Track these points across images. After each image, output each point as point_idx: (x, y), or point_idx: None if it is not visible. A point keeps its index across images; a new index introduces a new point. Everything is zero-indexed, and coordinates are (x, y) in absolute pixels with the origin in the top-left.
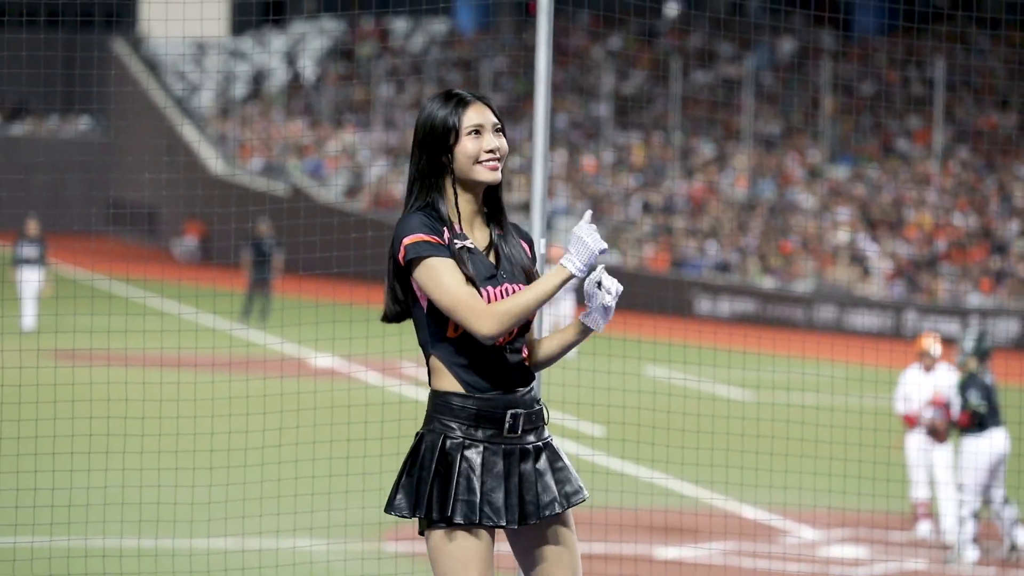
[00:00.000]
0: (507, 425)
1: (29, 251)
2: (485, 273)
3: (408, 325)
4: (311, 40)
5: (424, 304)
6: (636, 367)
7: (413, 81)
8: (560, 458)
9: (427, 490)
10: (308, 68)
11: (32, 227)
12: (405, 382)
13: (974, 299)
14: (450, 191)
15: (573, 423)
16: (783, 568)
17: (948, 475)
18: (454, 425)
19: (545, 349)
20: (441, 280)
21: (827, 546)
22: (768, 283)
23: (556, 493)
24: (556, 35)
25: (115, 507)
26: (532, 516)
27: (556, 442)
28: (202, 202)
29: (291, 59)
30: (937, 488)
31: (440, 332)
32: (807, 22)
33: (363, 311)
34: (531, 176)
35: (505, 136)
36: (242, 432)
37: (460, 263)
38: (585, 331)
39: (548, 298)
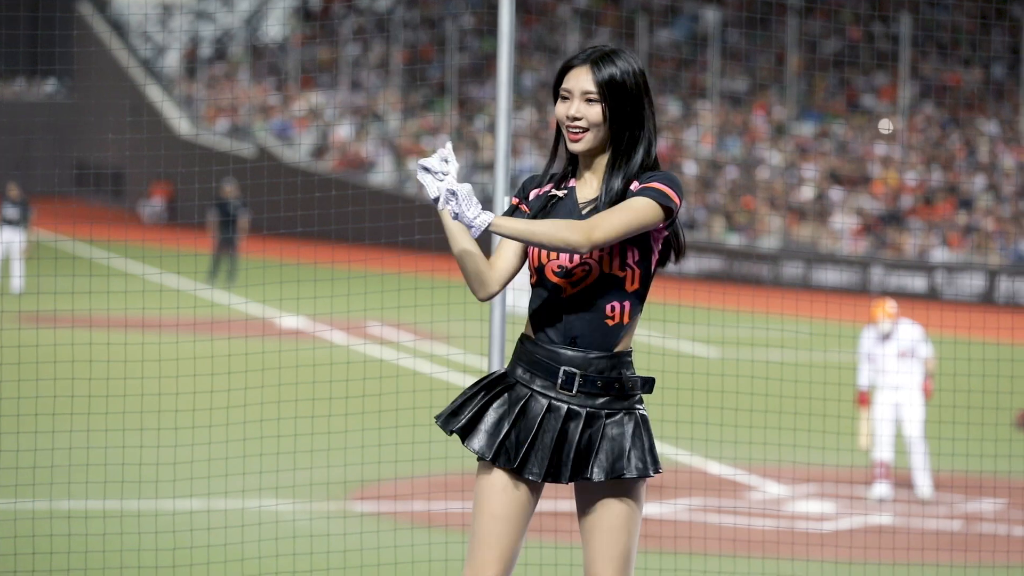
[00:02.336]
0: (560, 380)
1: (11, 213)
2: (559, 218)
3: (372, 284)
4: (276, 0)
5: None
6: None
7: (379, 40)
8: (622, 431)
9: (468, 410)
10: (274, 28)
11: (13, 190)
12: (370, 341)
13: (940, 254)
14: (561, 147)
15: None
16: (749, 524)
17: (919, 430)
18: (518, 368)
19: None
20: None
21: (793, 501)
22: (734, 240)
23: (592, 462)
24: None
25: (81, 469)
26: (562, 476)
27: (636, 420)
28: (168, 163)
29: (256, 20)
30: (909, 445)
31: (530, 280)
32: None
33: (328, 271)
34: (495, 135)
35: (620, 103)
36: (207, 393)
37: (539, 210)
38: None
39: (453, 239)
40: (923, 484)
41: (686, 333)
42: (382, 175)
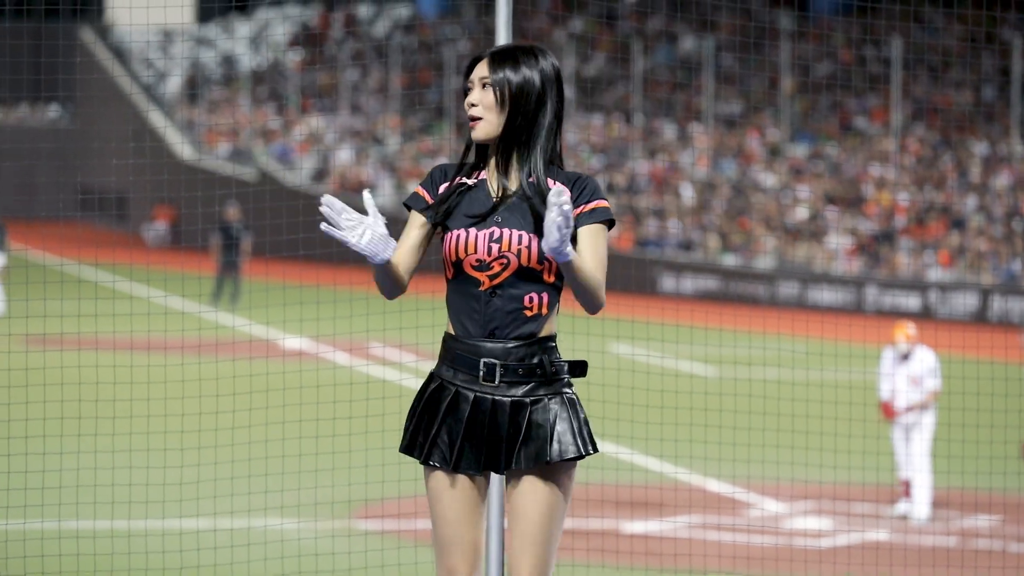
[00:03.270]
0: (481, 373)
1: None
2: (474, 211)
3: (373, 305)
4: (276, 26)
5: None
6: (601, 344)
7: (378, 66)
8: (549, 418)
9: (407, 425)
10: (274, 54)
11: None
12: (372, 362)
13: (934, 273)
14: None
15: None
16: (748, 540)
17: (925, 449)
18: (443, 367)
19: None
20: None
21: (791, 518)
22: (730, 260)
23: (523, 451)
24: (517, 18)
25: (88, 489)
26: (500, 466)
27: (564, 404)
28: (171, 187)
29: (257, 46)
30: (911, 468)
31: (445, 274)
32: (765, 3)
33: (330, 293)
34: None
35: (515, 95)
36: (212, 413)
37: (443, 201)
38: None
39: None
40: (922, 505)
41: (684, 352)
42: (382, 198)
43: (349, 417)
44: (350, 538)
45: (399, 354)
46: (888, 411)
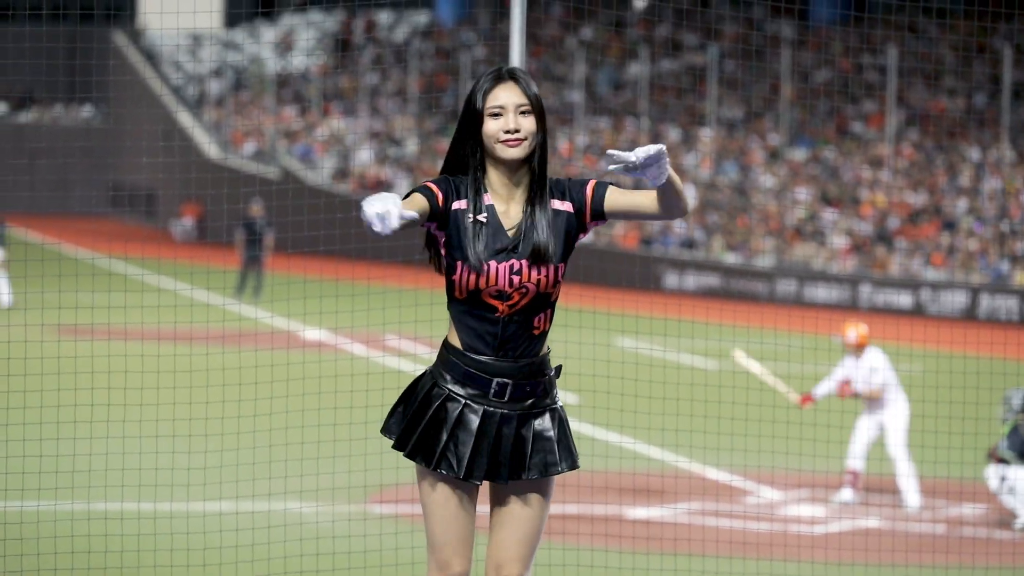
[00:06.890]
0: (492, 391)
1: None
2: (496, 246)
3: (390, 299)
4: (300, 32)
5: (444, 261)
6: (607, 338)
7: (397, 70)
8: (550, 428)
9: (406, 426)
10: (298, 58)
11: None
12: (388, 353)
13: (927, 273)
14: (476, 165)
15: None
16: (745, 527)
17: (902, 444)
18: (447, 377)
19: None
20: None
21: (786, 506)
22: (731, 259)
23: (531, 461)
24: (530, 26)
25: (116, 472)
26: (500, 477)
27: (559, 414)
28: (198, 185)
29: (282, 50)
30: (894, 459)
31: (451, 291)
32: (767, 12)
33: (349, 287)
34: None
35: (540, 117)
36: (235, 401)
37: (466, 234)
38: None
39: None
40: (910, 494)
41: (686, 346)
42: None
43: (366, 406)
44: (365, 521)
45: (414, 346)
46: (806, 399)
